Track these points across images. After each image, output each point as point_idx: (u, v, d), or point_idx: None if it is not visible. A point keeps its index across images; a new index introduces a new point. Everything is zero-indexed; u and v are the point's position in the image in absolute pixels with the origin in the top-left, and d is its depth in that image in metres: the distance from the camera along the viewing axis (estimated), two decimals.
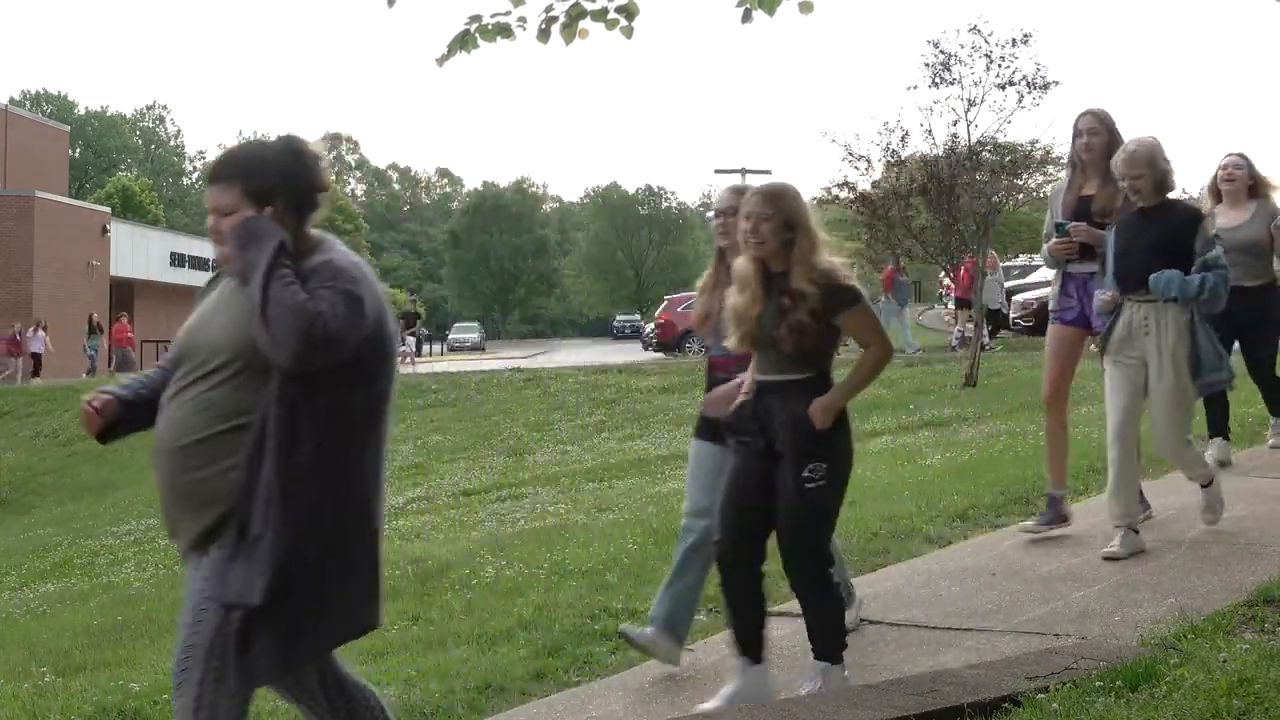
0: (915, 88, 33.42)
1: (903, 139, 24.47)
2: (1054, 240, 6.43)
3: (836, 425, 4.31)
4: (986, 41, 23.56)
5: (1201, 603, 5.13)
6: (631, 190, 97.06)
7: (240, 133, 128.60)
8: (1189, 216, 6.00)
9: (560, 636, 5.47)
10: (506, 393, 22.53)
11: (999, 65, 23.54)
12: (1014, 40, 23.57)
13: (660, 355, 30.43)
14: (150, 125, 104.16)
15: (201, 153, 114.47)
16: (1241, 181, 7.96)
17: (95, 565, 12.86)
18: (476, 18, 4.86)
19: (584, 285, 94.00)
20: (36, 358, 34.60)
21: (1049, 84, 23.82)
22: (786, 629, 5.13)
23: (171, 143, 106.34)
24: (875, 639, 5.07)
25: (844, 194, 25.21)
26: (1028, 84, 23.59)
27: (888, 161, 24.85)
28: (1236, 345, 7.82)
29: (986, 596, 5.57)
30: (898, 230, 24.06)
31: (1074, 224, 6.34)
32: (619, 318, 73.98)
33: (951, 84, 23.91)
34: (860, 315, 4.34)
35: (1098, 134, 6.37)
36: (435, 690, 4.91)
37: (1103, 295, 6.08)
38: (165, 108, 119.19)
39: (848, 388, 4.34)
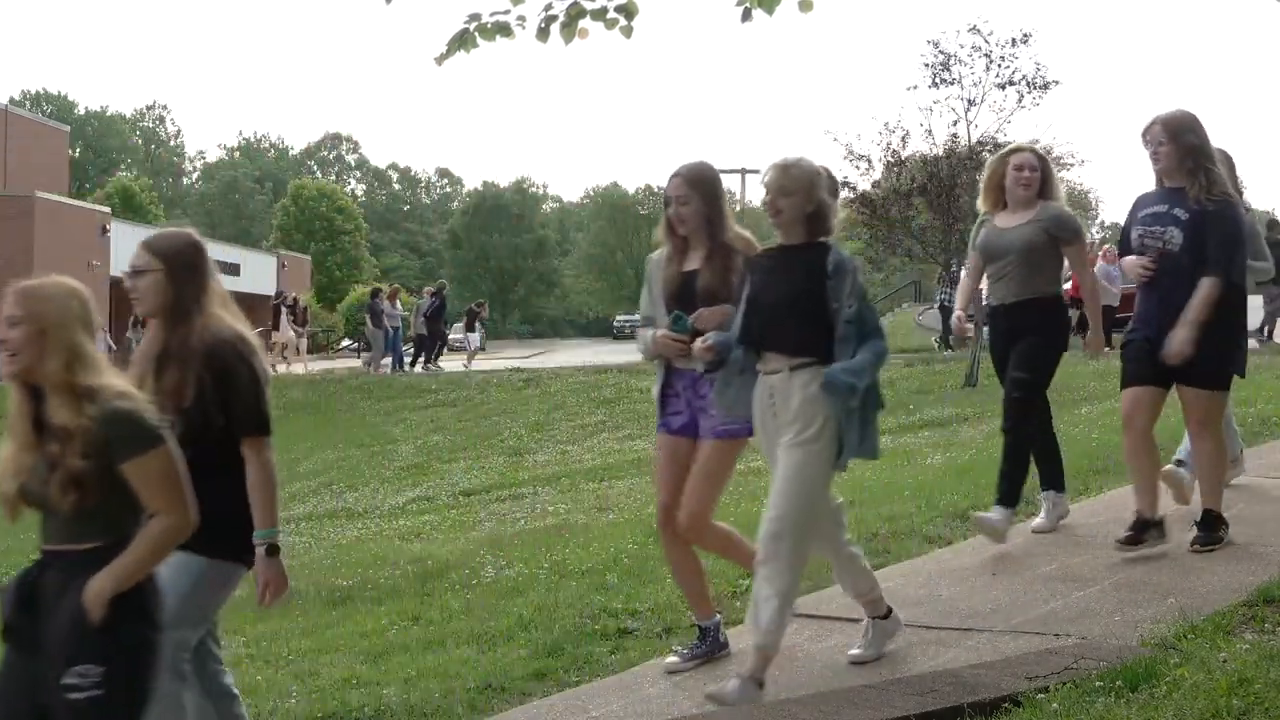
0: (915, 88, 33.47)
1: (903, 139, 24.55)
2: (661, 333, 4.86)
3: (122, 613, 3.22)
4: (986, 41, 23.67)
5: (1201, 603, 5.12)
6: (631, 190, 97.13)
7: (240, 133, 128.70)
8: (838, 264, 4.55)
9: (560, 636, 5.47)
10: (506, 393, 22.53)
11: (999, 65, 23.64)
12: (1014, 40, 23.67)
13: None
14: (150, 125, 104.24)
15: (201, 153, 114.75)
16: (1035, 186, 6.39)
17: None
18: (476, 17, 4.86)
19: (584, 285, 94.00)
20: None
21: (1049, 84, 23.91)
22: (788, 628, 5.12)
23: (171, 143, 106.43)
24: None
25: (844, 194, 25.27)
26: (1028, 84, 23.68)
27: (888, 161, 24.91)
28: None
29: (986, 596, 5.57)
30: (898, 230, 24.10)
31: (704, 311, 4.78)
32: (619, 318, 73.93)
33: (951, 84, 24.01)
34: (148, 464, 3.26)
35: (687, 202, 4.85)
36: (435, 690, 4.91)
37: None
38: (165, 108, 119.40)
39: (125, 566, 3.23)
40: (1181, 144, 5.65)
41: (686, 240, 4.92)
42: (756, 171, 29.20)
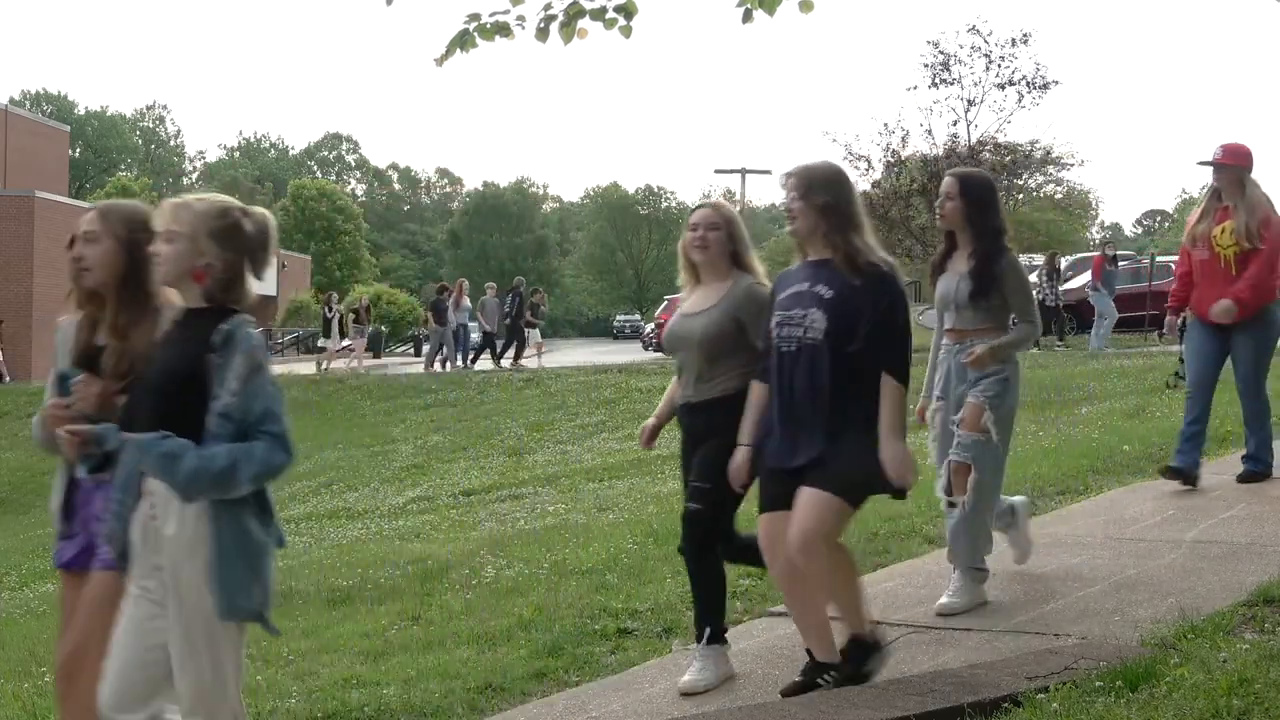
0: (915, 88, 33.49)
1: (903, 139, 24.58)
2: (51, 403, 3.93)
3: None
4: (986, 41, 23.69)
5: (1201, 603, 5.12)
6: (631, 190, 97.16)
7: (240, 133, 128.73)
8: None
9: (560, 636, 5.47)
10: (506, 393, 22.53)
11: (999, 65, 23.66)
12: (1013, 40, 23.70)
13: (660, 355, 30.41)
14: (150, 125, 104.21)
15: (201, 153, 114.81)
16: (717, 248, 4.83)
17: None
18: (475, 17, 4.86)
19: (584, 285, 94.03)
20: None
21: (1049, 84, 23.93)
22: (787, 628, 5.13)
23: (171, 143, 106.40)
24: None
25: None
26: (1027, 84, 23.71)
27: (888, 161, 24.94)
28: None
29: (986, 596, 5.57)
30: (898, 230, 24.11)
31: (80, 379, 3.83)
32: (619, 318, 73.98)
33: (951, 84, 24.05)
34: None
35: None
36: (435, 690, 4.91)
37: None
38: (165, 108, 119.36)
39: None
40: (812, 204, 4.33)
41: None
42: (756, 172, 29.28)
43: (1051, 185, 32.74)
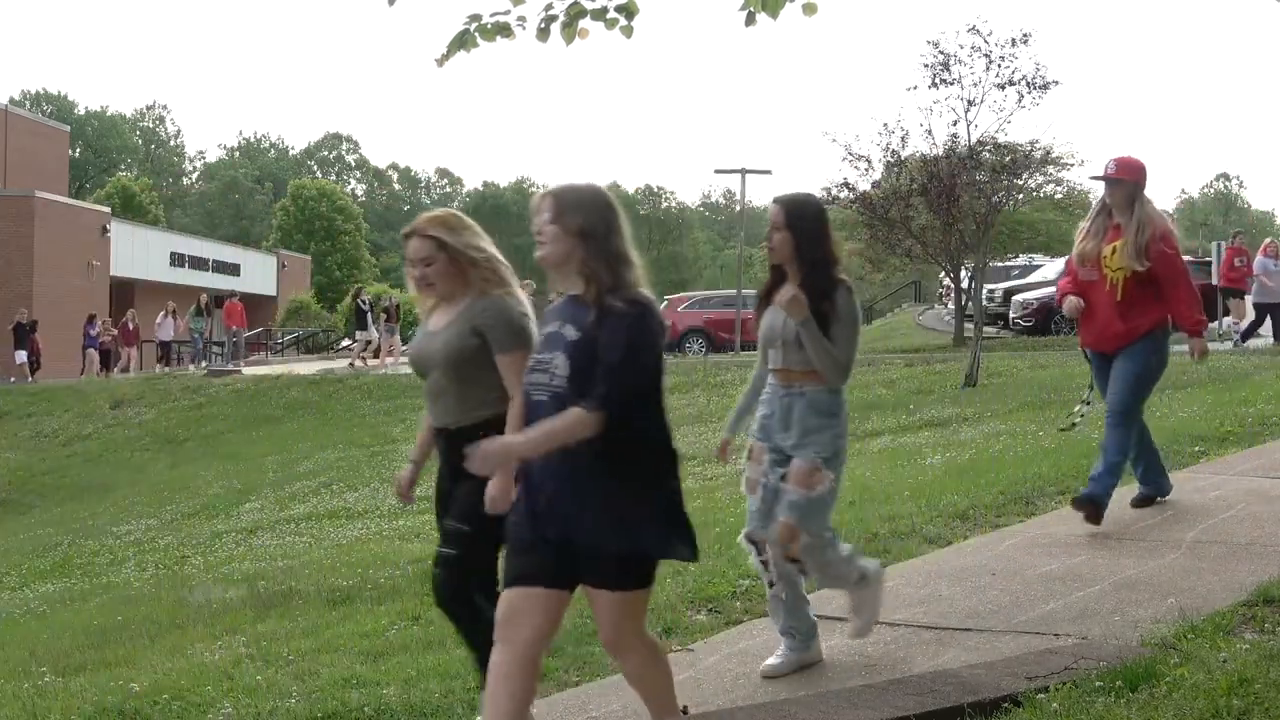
0: (915, 88, 33.44)
1: (903, 139, 24.55)
2: None
3: None
4: (986, 41, 23.64)
5: (1201, 603, 5.13)
6: (631, 190, 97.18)
7: (240, 133, 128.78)
8: None
9: (560, 636, 5.46)
10: None
11: (998, 65, 23.62)
12: (1013, 40, 23.65)
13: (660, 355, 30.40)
14: (150, 125, 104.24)
15: (201, 153, 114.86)
16: (442, 280, 4.43)
17: (95, 565, 12.87)
18: (476, 17, 4.86)
19: None
20: (166, 346, 34.35)
21: (1049, 84, 23.87)
22: None
23: (171, 143, 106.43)
24: (875, 639, 5.07)
25: (844, 194, 25.26)
26: (1027, 84, 23.64)
27: (888, 162, 24.92)
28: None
29: (986, 596, 5.58)
30: (898, 230, 24.10)
31: None
32: None
33: (951, 84, 23.99)
34: None
35: None
36: (435, 690, 4.91)
37: None
38: (165, 108, 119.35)
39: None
40: (567, 228, 3.74)
41: None
42: (756, 172, 29.29)
43: (1051, 185, 32.73)
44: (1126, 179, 6.74)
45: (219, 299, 35.80)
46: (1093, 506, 6.65)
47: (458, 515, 4.29)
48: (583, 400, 3.57)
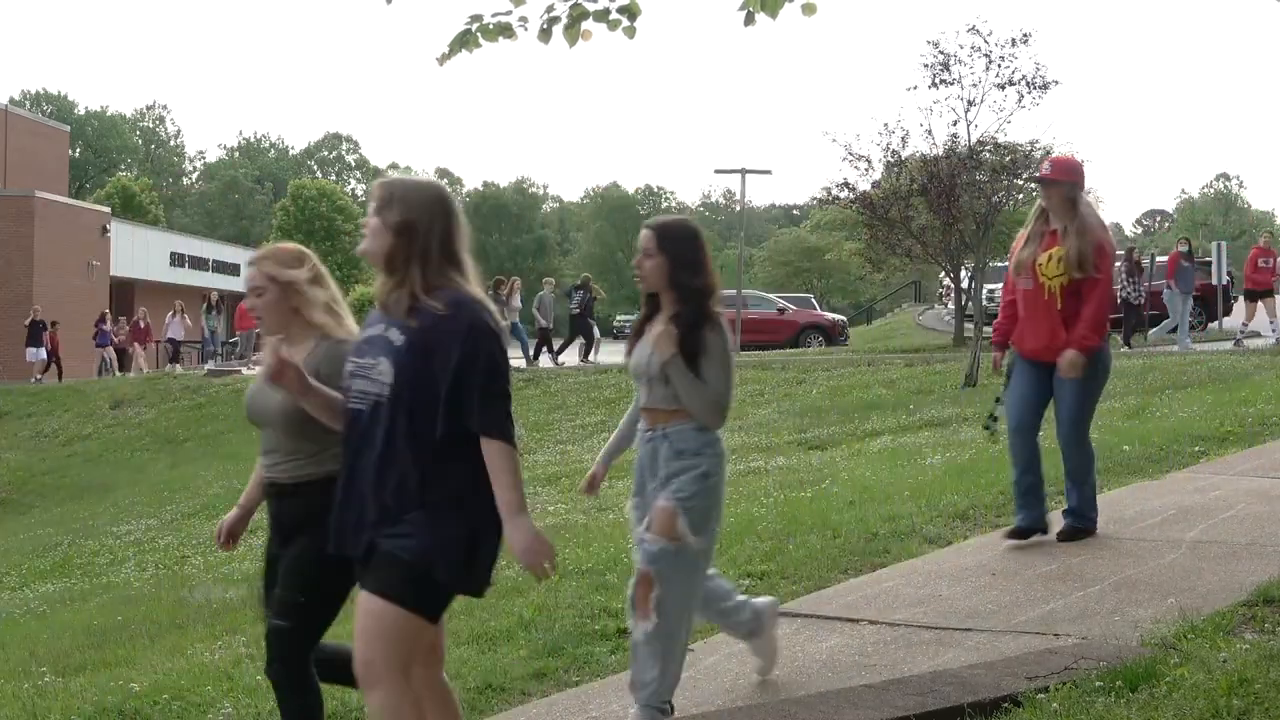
0: (915, 88, 33.45)
1: (903, 139, 24.57)
2: None
3: None
4: (986, 41, 23.65)
5: (1201, 603, 5.13)
6: (631, 190, 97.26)
7: (240, 133, 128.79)
8: None
9: (560, 636, 5.47)
10: None
11: (998, 65, 23.63)
12: (1013, 40, 23.66)
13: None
14: (150, 125, 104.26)
15: (201, 153, 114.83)
16: (272, 314, 4.03)
17: (95, 565, 12.87)
18: (478, 17, 4.85)
19: None
20: (175, 344, 34.26)
21: (1049, 84, 23.88)
22: (786, 629, 5.13)
23: (171, 143, 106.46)
24: (875, 639, 5.08)
25: (844, 194, 25.28)
26: (1027, 84, 23.65)
27: (888, 162, 24.93)
28: None
29: (986, 596, 5.58)
30: (898, 230, 24.11)
31: None
32: (619, 318, 74.01)
33: (951, 84, 24.00)
34: None
35: None
36: None
37: None
38: (165, 108, 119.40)
39: None
40: (387, 221, 3.49)
41: None
42: (756, 172, 29.29)
43: None
44: (1063, 179, 6.36)
45: (225, 299, 35.68)
46: (1078, 530, 6.53)
47: (289, 584, 3.91)
48: (483, 434, 3.33)
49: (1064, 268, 6.29)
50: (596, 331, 28.44)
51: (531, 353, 27.07)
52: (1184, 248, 22.15)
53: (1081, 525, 6.58)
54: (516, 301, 27.06)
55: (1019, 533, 6.52)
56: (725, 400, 4.27)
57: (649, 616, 4.17)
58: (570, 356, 27.33)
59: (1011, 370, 6.73)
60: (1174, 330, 21.49)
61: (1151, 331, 22.60)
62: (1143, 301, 22.82)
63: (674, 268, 4.31)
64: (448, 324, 3.37)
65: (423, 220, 3.46)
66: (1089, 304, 6.30)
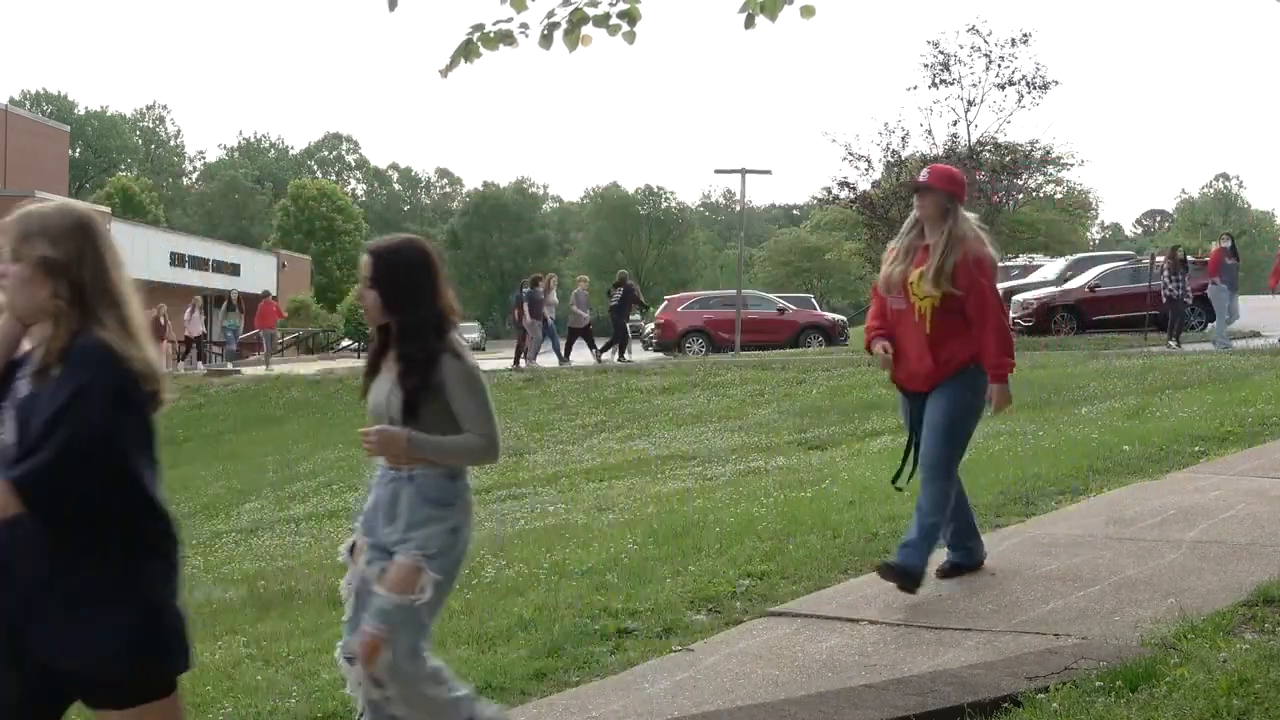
0: (915, 88, 33.48)
1: (903, 139, 24.62)
2: None
3: None
4: (986, 41, 23.71)
5: (1201, 603, 5.13)
6: (631, 190, 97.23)
7: (240, 133, 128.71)
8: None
9: (560, 636, 5.47)
10: (506, 393, 22.51)
11: (998, 65, 23.68)
12: (1013, 40, 23.72)
13: (660, 355, 30.42)
14: (150, 125, 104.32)
15: (201, 153, 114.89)
16: (20, 273, 3.28)
17: None
18: (479, 26, 4.86)
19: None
20: (198, 342, 34.12)
21: (1049, 84, 23.94)
22: (785, 629, 5.14)
23: (171, 143, 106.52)
24: (875, 639, 5.08)
25: (844, 194, 25.31)
26: (1027, 84, 23.72)
27: (888, 162, 24.97)
28: None
29: (986, 596, 5.58)
30: (898, 230, 24.16)
31: None
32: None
33: (951, 84, 24.06)
34: None
35: None
36: None
37: None
38: (165, 108, 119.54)
39: None
40: (29, 257, 2.93)
41: None
42: (756, 172, 29.30)
43: (1051, 185, 32.78)
44: (938, 187, 5.82)
45: (239, 298, 35.61)
46: (905, 577, 5.61)
47: None
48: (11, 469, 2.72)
49: (927, 286, 5.72)
50: (629, 330, 28.34)
51: (563, 350, 26.93)
52: (1227, 243, 21.76)
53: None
54: (554, 297, 27.03)
55: (953, 570, 6.02)
56: (491, 436, 3.83)
57: (382, 685, 3.76)
58: (608, 355, 27.16)
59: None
60: (1228, 321, 21.34)
61: (1211, 331, 22.19)
62: (1189, 300, 22.59)
63: (388, 300, 3.85)
64: (63, 375, 2.83)
65: (74, 252, 2.94)
66: (986, 325, 5.73)
